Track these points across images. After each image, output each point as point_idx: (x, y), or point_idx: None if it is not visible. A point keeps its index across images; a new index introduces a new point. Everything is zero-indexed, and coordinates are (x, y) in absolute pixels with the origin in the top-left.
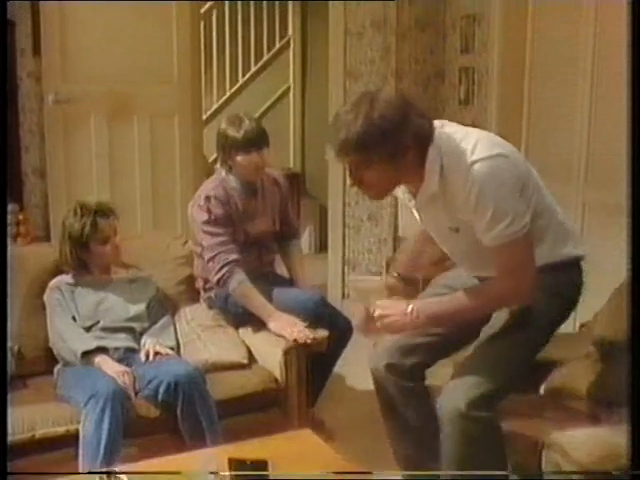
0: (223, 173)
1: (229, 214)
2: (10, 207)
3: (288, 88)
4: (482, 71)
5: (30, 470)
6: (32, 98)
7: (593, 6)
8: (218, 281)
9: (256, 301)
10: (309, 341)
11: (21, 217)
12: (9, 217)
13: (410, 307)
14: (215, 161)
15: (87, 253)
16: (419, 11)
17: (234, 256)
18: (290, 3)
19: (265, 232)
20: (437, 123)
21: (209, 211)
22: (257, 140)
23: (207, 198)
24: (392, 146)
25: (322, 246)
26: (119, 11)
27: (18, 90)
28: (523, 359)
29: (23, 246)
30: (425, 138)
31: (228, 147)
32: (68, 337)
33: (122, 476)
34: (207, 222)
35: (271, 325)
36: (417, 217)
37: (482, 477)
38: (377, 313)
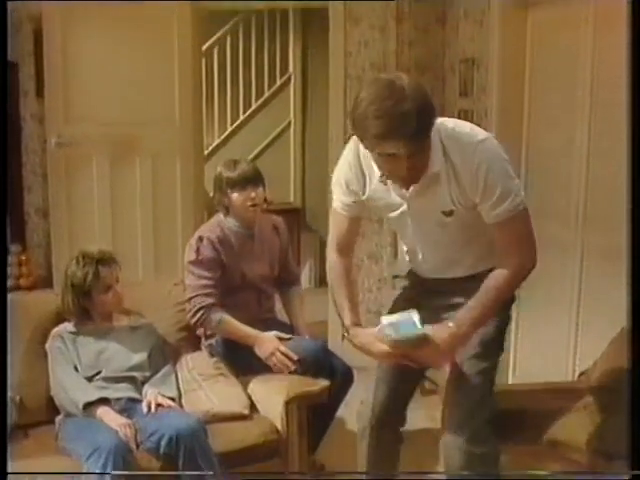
0: (221, 216)
1: (219, 258)
2: (12, 248)
3: (289, 124)
4: (481, 114)
5: None
6: (35, 139)
7: (590, 52)
8: (195, 324)
9: (239, 332)
10: (289, 369)
11: (23, 258)
12: (11, 258)
13: (450, 324)
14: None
15: (89, 301)
16: (418, 54)
17: (210, 300)
18: (291, 40)
19: (263, 276)
20: None
21: (198, 252)
22: (252, 178)
23: (200, 239)
24: (430, 125)
25: (322, 280)
26: (121, 52)
27: (21, 131)
28: (493, 379)
29: (25, 286)
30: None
31: (224, 187)
32: (70, 387)
33: None
34: (193, 262)
35: (257, 351)
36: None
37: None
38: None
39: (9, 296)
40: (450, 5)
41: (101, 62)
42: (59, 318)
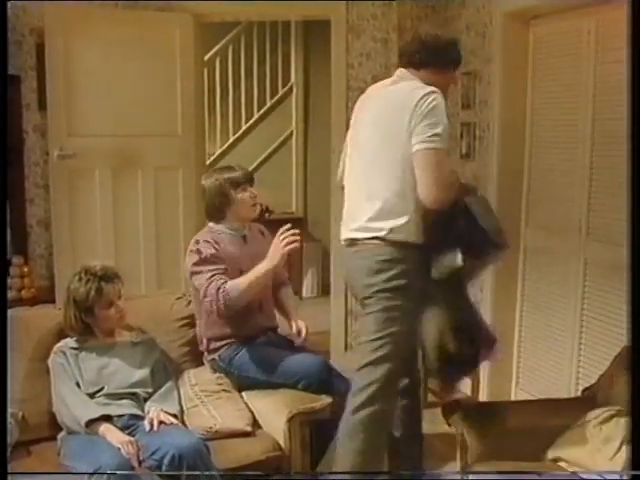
0: (210, 224)
1: (220, 255)
2: (15, 259)
3: (291, 134)
4: (483, 126)
5: None
6: (37, 152)
7: (592, 64)
8: (223, 306)
9: (256, 278)
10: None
11: (26, 269)
12: (14, 270)
13: None
14: None
15: (91, 317)
16: None
17: (225, 278)
18: (293, 50)
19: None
20: None
21: (199, 252)
22: (251, 177)
23: (196, 242)
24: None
25: (324, 289)
26: (123, 64)
27: (24, 144)
28: None
29: (27, 298)
30: None
31: (227, 189)
32: (72, 404)
33: None
34: (197, 262)
35: (267, 264)
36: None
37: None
38: None
39: (10, 311)
40: (452, 18)
41: (103, 74)
42: (61, 334)
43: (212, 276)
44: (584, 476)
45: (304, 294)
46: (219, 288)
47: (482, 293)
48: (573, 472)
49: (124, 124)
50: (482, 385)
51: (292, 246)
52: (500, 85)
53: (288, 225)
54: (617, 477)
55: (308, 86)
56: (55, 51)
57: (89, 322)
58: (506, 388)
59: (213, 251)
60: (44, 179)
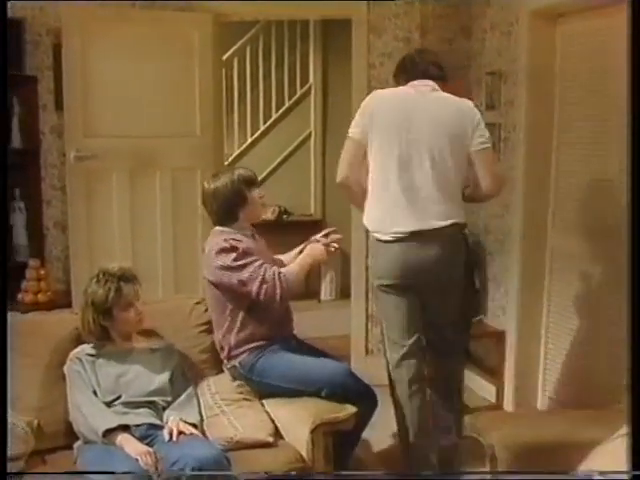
0: (220, 228)
1: (252, 247)
2: (31, 262)
3: (309, 135)
4: (508, 128)
5: None
6: (54, 153)
7: (623, 64)
8: (287, 294)
9: (302, 267)
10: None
11: (42, 272)
12: (30, 272)
13: None
14: None
15: (110, 320)
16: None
17: (276, 268)
18: (311, 50)
19: None
20: None
21: (234, 248)
22: (256, 176)
23: (225, 240)
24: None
25: (343, 293)
26: (141, 64)
27: (40, 145)
28: None
29: (43, 301)
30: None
31: (243, 188)
32: (88, 413)
33: None
34: (237, 258)
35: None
36: None
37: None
38: None
39: (26, 316)
40: (476, 17)
41: (121, 75)
42: (78, 340)
43: (262, 264)
44: (584, 476)
45: (322, 297)
46: (279, 273)
47: (507, 297)
48: (573, 472)
49: (142, 125)
50: (507, 391)
51: (335, 246)
52: (526, 85)
53: (334, 228)
54: (617, 477)
55: (327, 87)
56: (72, 51)
57: (107, 325)
58: (532, 395)
59: (246, 245)
60: (61, 181)
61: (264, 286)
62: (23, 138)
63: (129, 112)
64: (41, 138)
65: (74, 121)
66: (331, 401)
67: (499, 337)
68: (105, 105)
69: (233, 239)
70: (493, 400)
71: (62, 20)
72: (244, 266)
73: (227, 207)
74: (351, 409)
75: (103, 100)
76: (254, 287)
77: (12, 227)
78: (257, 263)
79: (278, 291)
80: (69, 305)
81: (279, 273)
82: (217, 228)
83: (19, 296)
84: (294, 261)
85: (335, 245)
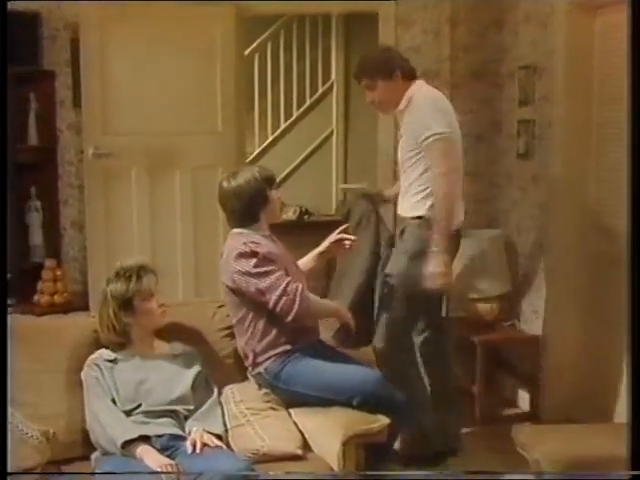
0: (239, 230)
1: (273, 252)
2: (47, 263)
3: (331, 133)
4: (544, 124)
5: None
6: (71, 150)
7: None
8: (302, 314)
9: (326, 308)
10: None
11: (59, 273)
12: (46, 273)
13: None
14: None
15: (131, 314)
16: (474, 60)
17: (300, 283)
18: (333, 46)
19: (300, 279)
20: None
21: (254, 253)
22: None
23: (245, 244)
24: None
25: None
26: (161, 60)
27: (57, 142)
28: None
29: (60, 303)
30: (409, 71)
31: (265, 188)
32: (107, 423)
33: None
34: (257, 264)
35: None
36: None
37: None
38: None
39: (41, 319)
40: (509, 8)
41: (140, 70)
42: (96, 344)
43: (281, 275)
44: (584, 476)
45: None
46: (302, 289)
47: (542, 302)
48: (573, 472)
49: (161, 122)
50: (542, 399)
51: (344, 244)
52: (563, 80)
53: (346, 225)
54: (617, 477)
55: (349, 84)
56: (90, 46)
57: (128, 322)
58: (569, 403)
59: (267, 249)
60: (78, 179)
61: (284, 298)
62: (40, 135)
63: (149, 108)
64: (58, 135)
65: (92, 118)
66: (362, 411)
67: (534, 342)
68: (124, 101)
69: (253, 242)
70: (527, 408)
71: (80, 14)
72: (264, 274)
73: (248, 207)
74: (384, 420)
75: (122, 96)
76: (273, 297)
77: (28, 227)
78: (278, 273)
79: (296, 307)
80: (86, 307)
81: (302, 289)
82: (235, 230)
83: (35, 298)
84: (310, 263)
85: (348, 242)
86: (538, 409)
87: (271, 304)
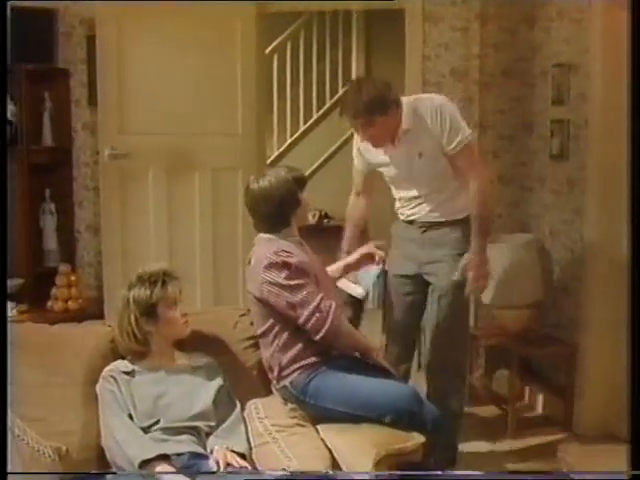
0: (267, 235)
1: (305, 262)
2: (61, 268)
3: (351, 135)
4: (579, 124)
5: None
6: (87, 151)
7: None
8: (332, 335)
9: (359, 341)
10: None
11: (73, 278)
12: (60, 279)
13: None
14: None
15: (153, 322)
16: (504, 59)
17: (332, 302)
18: (354, 45)
19: (329, 285)
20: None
21: (286, 264)
22: None
23: (276, 253)
24: (383, 107)
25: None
26: (180, 58)
27: (72, 143)
28: None
29: (74, 310)
30: (398, 99)
31: (296, 190)
32: (123, 440)
33: None
34: (289, 276)
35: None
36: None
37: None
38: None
39: (54, 328)
40: (540, 4)
41: (158, 68)
42: (112, 355)
43: (314, 290)
44: (584, 476)
45: (365, 305)
46: (335, 308)
47: (580, 311)
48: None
49: (180, 122)
50: (577, 412)
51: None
52: (600, 77)
53: (381, 243)
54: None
55: None
56: (106, 43)
57: (150, 330)
58: (606, 417)
59: (298, 259)
60: (94, 181)
61: (316, 315)
62: (54, 135)
63: (167, 108)
64: (73, 135)
65: (108, 117)
66: (395, 428)
67: (569, 351)
68: (141, 100)
69: (284, 251)
70: (561, 421)
71: (96, 10)
72: (296, 287)
73: (279, 211)
74: (419, 438)
75: (139, 95)
76: (304, 313)
77: (42, 230)
78: (311, 287)
79: (327, 326)
80: (101, 313)
81: (335, 308)
82: (264, 236)
83: (48, 304)
84: (337, 273)
85: (379, 257)
86: (572, 422)
87: (302, 320)
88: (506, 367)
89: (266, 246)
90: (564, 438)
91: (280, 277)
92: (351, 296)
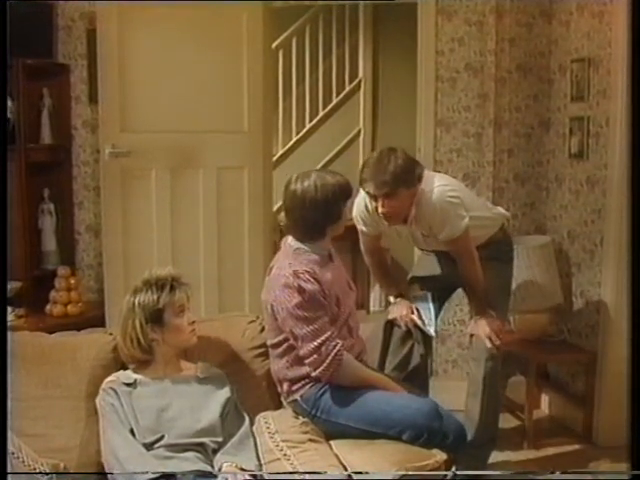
0: (297, 244)
1: (321, 290)
2: (60, 270)
3: (358, 132)
4: (600, 122)
5: None
6: (87, 149)
7: None
8: (329, 376)
9: (366, 376)
10: None
11: (72, 281)
12: (59, 282)
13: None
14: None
15: (159, 329)
16: (521, 53)
17: (338, 342)
18: (361, 41)
19: (351, 301)
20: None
21: (301, 290)
22: None
23: (295, 274)
24: (409, 179)
25: None
26: (184, 53)
27: (72, 141)
28: None
29: (74, 314)
30: (421, 177)
31: (340, 200)
32: (125, 458)
33: None
34: (300, 306)
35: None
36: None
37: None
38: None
39: (53, 336)
40: None
41: (162, 63)
42: (115, 365)
43: (321, 327)
44: (584, 476)
45: (372, 308)
46: (339, 354)
47: (597, 316)
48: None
49: (184, 119)
50: (596, 421)
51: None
52: (623, 73)
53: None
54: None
55: (377, 81)
56: (108, 38)
57: (155, 338)
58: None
59: (316, 286)
60: (94, 180)
61: (314, 356)
62: (53, 133)
63: (170, 104)
64: (73, 133)
65: (110, 114)
66: (414, 445)
67: (588, 359)
68: (144, 97)
69: (304, 273)
70: (579, 431)
71: (96, 3)
72: (303, 320)
73: (321, 220)
74: (441, 456)
75: (142, 91)
76: (304, 348)
77: (40, 231)
78: (319, 323)
79: (322, 368)
80: (102, 317)
81: (337, 351)
82: (293, 243)
83: (47, 308)
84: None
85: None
86: (591, 432)
87: (301, 352)
88: (522, 374)
89: (290, 258)
90: (583, 449)
91: (290, 303)
92: (422, 332)
